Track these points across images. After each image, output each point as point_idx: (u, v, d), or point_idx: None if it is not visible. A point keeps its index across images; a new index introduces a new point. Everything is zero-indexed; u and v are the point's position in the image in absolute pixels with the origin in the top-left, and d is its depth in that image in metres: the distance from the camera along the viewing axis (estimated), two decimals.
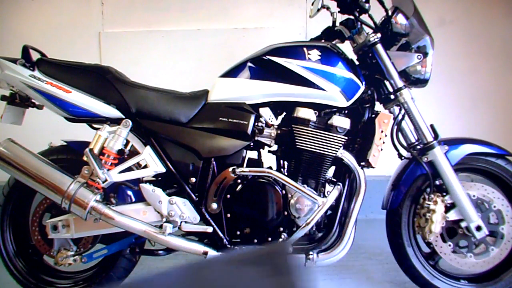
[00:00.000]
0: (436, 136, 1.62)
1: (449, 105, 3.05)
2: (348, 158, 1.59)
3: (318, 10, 1.75)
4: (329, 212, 1.63)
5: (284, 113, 1.68)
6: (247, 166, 1.62)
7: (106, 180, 1.49)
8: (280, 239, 1.58)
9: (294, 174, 1.60)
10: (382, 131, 1.57)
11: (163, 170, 1.57)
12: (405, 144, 1.68)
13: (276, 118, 1.63)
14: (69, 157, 1.66)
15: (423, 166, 1.62)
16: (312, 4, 1.82)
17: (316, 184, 1.60)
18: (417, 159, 1.63)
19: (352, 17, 1.65)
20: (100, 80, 1.59)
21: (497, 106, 3.08)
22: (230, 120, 1.58)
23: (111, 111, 1.58)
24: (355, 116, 1.60)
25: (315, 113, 1.58)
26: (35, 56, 1.62)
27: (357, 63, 1.68)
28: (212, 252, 1.59)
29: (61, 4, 3.03)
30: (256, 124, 1.59)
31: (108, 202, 1.55)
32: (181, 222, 1.57)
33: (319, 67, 1.55)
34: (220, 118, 1.59)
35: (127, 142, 1.58)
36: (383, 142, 1.58)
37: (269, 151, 1.69)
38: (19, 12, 3.03)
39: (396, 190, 1.71)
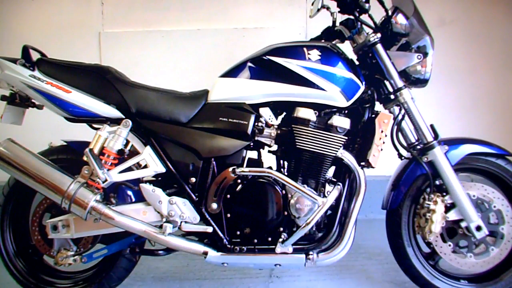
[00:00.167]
0: (436, 136, 1.62)
1: (449, 105, 3.05)
2: (348, 158, 1.59)
3: (318, 10, 1.75)
4: (329, 212, 1.63)
5: (284, 113, 1.67)
6: (247, 166, 1.62)
7: (106, 180, 1.49)
8: (280, 239, 1.58)
9: (294, 174, 1.60)
10: (382, 131, 1.57)
11: (163, 170, 1.57)
12: (405, 144, 1.67)
13: (276, 118, 1.63)
14: (69, 157, 1.66)
15: (423, 166, 1.62)
16: (312, 4, 1.82)
17: (316, 184, 1.60)
18: (417, 159, 1.63)
19: (352, 17, 1.65)
20: (100, 80, 1.59)
21: (497, 106, 3.09)
22: (230, 120, 1.58)
23: (111, 111, 1.58)
24: (355, 116, 1.60)
25: (315, 113, 1.58)
26: (35, 56, 1.62)
27: (357, 63, 1.67)
28: (212, 252, 1.59)
29: (61, 4, 3.04)
30: (256, 124, 1.59)
31: (108, 202, 1.55)
32: (181, 222, 1.57)
33: (319, 67, 1.55)
34: (220, 118, 1.59)
35: (127, 142, 1.58)
36: (383, 142, 1.57)
37: (269, 151, 1.69)
38: (19, 12, 3.03)
39: (396, 190, 1.71)
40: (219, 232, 1.60)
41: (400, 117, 1.63)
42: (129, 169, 1.54)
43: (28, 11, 3.03)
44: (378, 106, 1.64)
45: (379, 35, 1.59)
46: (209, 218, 1.59)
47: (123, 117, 1.57)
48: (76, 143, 1.66)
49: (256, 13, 3.01)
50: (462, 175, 1.71)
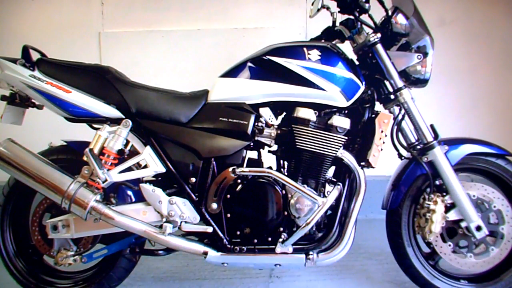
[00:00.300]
0: (436, 136, 1.62)
1: (449, 105, 3.05)
2: (348, 158, 1.59)
3: (318, 10, 1.75)
4: (329, 212, 1.63)
5: (284, 113, 1.67)
6: (247, 166, 1.62)
7: (106, 180, 1.49)
8: (280, 239, 1.58)
9: (294, 174, 1.60)
10: (382, 131, 1.57)
11: (163, 170, 1.57)
12: (405, 144, 1.67)
13: (276, 118, 1.63)
14: (69, 157, 1.66)
15: (423, 166, 1.62)
16: (312, 4, 1.82)
17: (316, 184, 1.60)
18: (417, 159, 1.63)
19: (352, 17, 1.65)
20: (100, 80, 1.59)
21: (497, 106, 3.08)
22: (230, 120, 1.58)
23: (111, 111, 1.58)
24: (355, 116, 1.60)
25: (315, 113, 1.58)
26: (35, 56, 1.62)
27: (357, 63, 1.68)
28: (212, 252, 1.59)
29: (61, 4, 3.04)
30: (256, 124, 1.59)
31: (108, 202, 1.55)
32: (181, 222, 1.57)
33: (319, 67, 1.55)
34: (220, 118, 1.59)
35: (127, 142, 1.58)
36: (383, 142, 1.57)
37: (269, 151, 1.69)
38: (19, 12, 3.03)
39: (396, 190, 1.71)
40: (219, 232, 1.60)
41: (400, 117, 1.63)
42: (129, 169, 1.54)
43: (28, 11, 3.03)
44: (378, 106, 1.64)
45: (379, 35, 1.59)
46: (209, 218, 1.59)
47: (123, 117, 1.57)
48: (76, 143, 1.66)
49: (256, 13, 3.01)
50: (462, 175, 1.70)
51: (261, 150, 1.68)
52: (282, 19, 3.02)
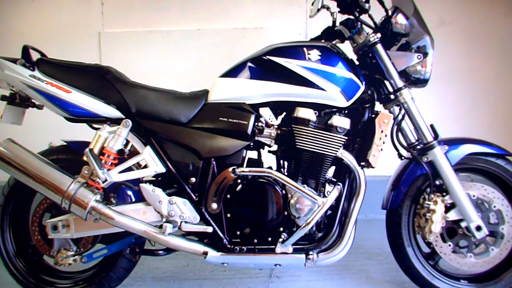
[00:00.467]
0: (436, 136, 1.62)
1: (449, 105, 3.05)
2: (348, 158, 1.59)
3: (318, 10, 1.75)
4: (329, 212, 1.63)
5: (284, 113, 1.67)
6: (247, 166, 1.62)
7: (106, 180, 1.49)
8: (280, 239, 1.58)
9: (294, 174, 1.60)
10: (382, 131, 1.57)
11: (163, 170, 1.57)
12: (405, 144, 1.67)
13: (276, 118, 1.63)
14: (69, 157, 1.66)
15: (423, 166, 1.62)
16: (312, 4, 1.82)
17: (316, 184, 1.60)
18: (417, 159, 1.63)
19: (352, 17, 1.65)
20: (100, 80, 1.59)
21: (497, 106, 3.08)
22: (230, 120, 1.58)
23: (111, 111, 1.58)
24: (355, 116, 1.60)
25: (315, 113, 1.58)
26: (35, 56, 1.62)
27: (357, 63, 1.68)
28: (212, 252, 1.59)
29: (61, 4, 3.04)
30: (256, 124, 1.59)
31: (108, 202, 1.55)
32: (181, 222, 1.57)
33: (319, 67, 1.55)
34: (220, 118, 1.59)
35: (127, 142, 1.58)
36: (383, 142, 1.57)
37: (269, 151, 1.69)
38: (19, 12, 3.03)
39: (396, 190, 1.71)
40: (219, 232, 1.60)
41: (400, 117, 1.63)
42: (129, 169, 1.54)
43: (28, 11, 3.03)
44: (378, 106, 1.64)
45: (379, 35, 1.59)
46: (209, 218, 1.59)
47: (123, 117, 1.57)
48: (76, 143, 1.66)
49: (256, 13, 3.01)
50: (462, 175, 1.71)
51: (261, 150, 1.68)
52: (282, 19, 3.02)
